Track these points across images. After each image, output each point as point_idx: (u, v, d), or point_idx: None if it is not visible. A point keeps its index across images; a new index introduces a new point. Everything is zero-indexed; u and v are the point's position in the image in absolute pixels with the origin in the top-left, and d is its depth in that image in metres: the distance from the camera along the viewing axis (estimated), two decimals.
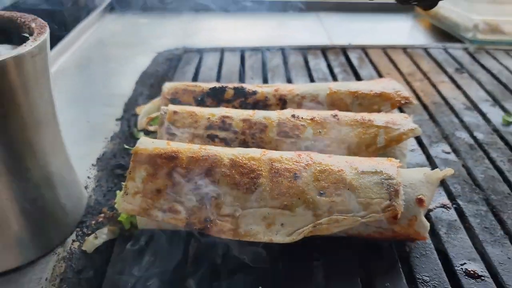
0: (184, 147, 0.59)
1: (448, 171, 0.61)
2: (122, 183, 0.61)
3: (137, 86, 1.03)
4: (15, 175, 0.58)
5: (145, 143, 0.60)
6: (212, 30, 1.41)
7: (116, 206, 0.62)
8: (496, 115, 0.90)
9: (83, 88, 0.85)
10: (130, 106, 0.95)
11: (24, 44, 0.53)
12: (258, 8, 1.57)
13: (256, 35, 1.37)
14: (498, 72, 1.08)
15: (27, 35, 0.60)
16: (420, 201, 0.57)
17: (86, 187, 0.72)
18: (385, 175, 0.56)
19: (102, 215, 0.65)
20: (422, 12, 1.54)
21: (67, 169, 0.66)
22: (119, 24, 1.49)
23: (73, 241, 0.63)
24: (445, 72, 1.08)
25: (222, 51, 1.17)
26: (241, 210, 0.55)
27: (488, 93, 0.98)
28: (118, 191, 0.63)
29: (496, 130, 0.85)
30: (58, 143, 0.64)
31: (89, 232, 0.64)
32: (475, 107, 0.93)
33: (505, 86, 1.02)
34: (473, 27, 1.25)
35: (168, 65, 1.12)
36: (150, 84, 1.03)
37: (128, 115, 0.91)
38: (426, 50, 1.20)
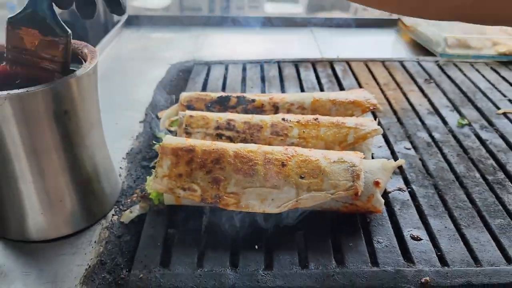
0: (198, 143, 0.78)
1: (399, 162, 0.79)
2: (152, 170, 0.80)
3: (155, 94, 1.22)
4: (70, 164, 0.76)
5: (169, 140, 0.78)
6: (218, 44, 1.60)
7: (146, 187, 0.81)
8: (453, 119, 1.08)
9: (109, 96, 1.02)
10: (150, 111, 1.14)
11: (83, 66, 0.72)
12: (259, 23, 1.76)
13: (256, 49, 1.56)
14: (461, 82, 1.26)
15: (81, 58, 0.79)
16: (376, 183, 0.75)
17: (119, 175, 0.90)
18: (350, 163, 0.75)
19: (135, 195, 0.83)
20: (403, 28, 1.73)
21: (107, 161, 0.85)
22: (135, 39, 1.68)
23: (113, 215, 0.81)
24: (416, 82, 1.26)
25: (226, 64, 1.36)
26: (242, 189, 0.74)
27: (449, 100, 1.17)
28: (148, 177, 0.81)
29: (451, 131, 1.03)
30: (102, 140, 0.83)
31: (125, 208, 0.82)
32: (437, 112, 1.11)
33: (464, 94, 1.20)
34: (443, 42, 1.44)
35: (181, 76, 1.31)
36: (166, 92, 1.22)
37: (149, 118, 1.10)
38: (401, 63, 1.39)
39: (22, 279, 0.68)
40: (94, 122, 0.77)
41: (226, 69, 1.32)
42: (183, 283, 0.65)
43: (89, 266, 0.70)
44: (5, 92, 0.63)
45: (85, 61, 0.74)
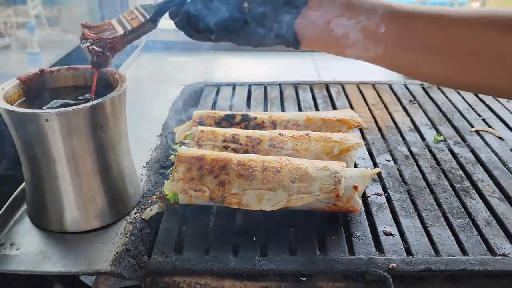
0: (208, 153, 0.93)
1: (375, 170, 0.94)
2: (169, 176, 0.95)
3: (170, 111, 1.39)
4: (102, 169, 0.89)
5: (184, 150, 0.94)
6: (227, 67, 1.77)
7: (164, 189, 0.96)
8: (430, 135, 1.22)
9: (130, 112, 1.14)
10: (166, 126, 1.29)
11: (116, 90, 0.88)
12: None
13: (261, 72, 1.73)
14: (442, 104, 1.41)
15: (112, 82, 0.95)
16: (355, 187, 0.90)
17: (141, 180, 1.06)
18: (333, 170, 0.89)
19: (154, 196, 0.99)
20: None
21: (131, 167, 1.00)
22: (152, 62, 1.86)
23: (135, 212, 0.96)
24: (401, 103, 1.41)
25: (234, 86, 1.53)
26: (243, 191, 0.88)
27: (429, 119, 1.31)
28: (165, 181, 0.97)
29: (427, 146, 1.18)
30: (127, 149, 0.98)
31: (145, 207, 0.97)
32: (417, 129, 1.26)
33: (443, 114, 1.35)
34: None
35: (193, 96, 1.48)
36: (180, 110, 1.39)
37: (166, 133, 1.26)
38: (390, 85, 1.54)
39: (62, 262, 0.83)
40: (122, 134, 0.93)
41: (234, 90, 1.49)
42: (194, 266, 0.80)
43: (117, 252, 0.84)
44: (55, 110, 0.80)
45: (116, 85, 0.90)
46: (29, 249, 0.86)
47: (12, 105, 0.85)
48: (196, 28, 0.78)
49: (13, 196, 0.95)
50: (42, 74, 0.94)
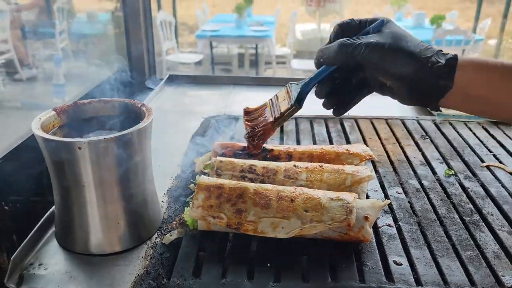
0: (226, 182, 0.99)
1: (386, 202, 0.98)
2: (189, 203, 1.00)
3: (191, 142, 1.46)
4: (126, 196, 0.94)
5: (203, 179, 0.99)
6: (245, 100, 1.85)
7: (184, 215, 1.02)
8: (441, 170, 1.26)
9: (153, 142, 1.22)
10: (187, 156, 1.36)
11: (143, 121, 0.95)
12: (283, 83, 2.01)
13: None
14: (453, 139, 1.45)
15: (139, 114, 1.02)
16: (366, 218, 0.94)
17: (162, 207, 1.12)
18: (345, 201, 0.94)
19: (174, 222, 1.04)
20: None
21: (154, 194, 1.05)
22: (174, 95, 1.95)
23: (156, 237, 1.01)
24: (413, 138, 1.46)
25: None
26: (259, 218, 0.93)
27: (440, 154, 1.35)
28: (185, 208, 1.03)
29: (438, 180, 1.22)
30: (151, 178, 1.04)
31: (166, 232, 1.02)
32: (428, 163, 1.30)
33: (455, 149, 1.39)
34: None
35: (213, 128, 1.55)
36: (200, 141, 1.46)
37: (186, 163, 1.33)
38: (402, 121, 1.59)
39: (87, 282, 0.88)
40: (146, 163, 0.99)
41: None
42: None
43: (138, 275, 0.89)
44: (87, 139, 0.87)
45: (143, 116, 0.97)
46: (56, 269, 0.91)
47: (47, 133, 0.92)
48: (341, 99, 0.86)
49: (43, 218, 1.02)
50: (75, 106, 1.02)
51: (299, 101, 0.84)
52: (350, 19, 0.85)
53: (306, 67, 6.55)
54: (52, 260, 0.94)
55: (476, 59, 0.77)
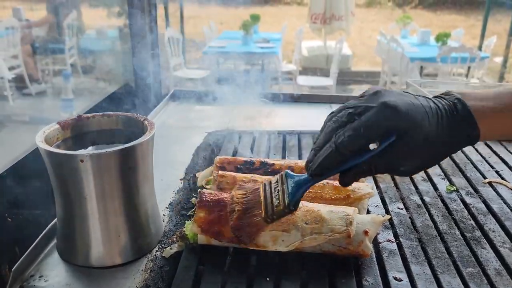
0: (227, 196, 1.00)
1: (386, 217, 0.98)
2: (189, 217, 1.01)
3: (194, 157, 1.47)
4: (128, 208, 0.97)
5: (205, 193, 1.01)
6: (247, 117, 1.86)
7: (185, 229, 1.02)
8: (443, 186, 1.26)
9: (156, 156, 1.22)
10: (189, 170, 1.37)
11: (145, 135, 0.97)
12: (283, 100, 2.04)
13: (280, 121, 1.81)
14: (455, 155, 1.45)
15: (141, 128, 1.04)
16: (365, 232, 0.94)
17: (163, 220, 1.12)
18: (345, 213, 0.93)
19: (175, 236, 1.04)
20: None
21: (155, 208, 1.06)
22: (178, 110, 1.97)
23: (156, 251, 1.01)
24: None
25: (254, 134, 1.60)
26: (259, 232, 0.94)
27: (442, 170, 1.35)
28: (186, 221, 1.03)
29: (439, 196, 1.21)
30: (152, 191, 1.04)
31: (166, 246, 1.03)
32: (429, 179, 1.30)
33: (457, 165, 1.39)
34: None
35: (215, 143, 1.56)
36: (203, 156, 1.46)
37: (188, 177, 1.33)
38: None
39: None
40: (148, 176, 1.00)
41: (254, 138, 1.57)
42: None
43: None
44: (90, 152, 0.88)
45: (145, 130, 0.99)
46: (56, 281, 0.92)
47: (51, 146, 0.94)
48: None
49: (44, 231, 1.02)
50: (79, 120, 1.04)
51: (294, 204, 0.82)
52: None
53: (311, 83, 6.60)
54: (53, 272, 0.94)
55: (478, 94, 0.77)
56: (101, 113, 1.07)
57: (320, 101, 2.05)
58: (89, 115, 1.06)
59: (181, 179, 1.32)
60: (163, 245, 1.02)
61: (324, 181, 1.08)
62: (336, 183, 1.07)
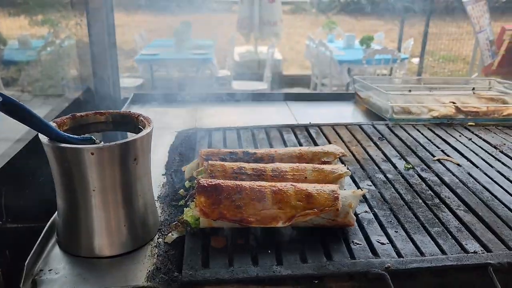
0: (223, 182, 1.08)
1: (363, 191, 1.12)
2: (181, 206, 1.08)
3: (170, 154, 1.53)
4: (127, 202, 0.98)
5: (202, 180, 1.08)
6: (212, 115, 1.95)
7: (184, 216, 1.09)
8: (401, 164, 1.43)
9: None
10: (169, 166, 1.43)
11: (145, 129, 1.02)
12: (245, 98, 2.15)
13: (244, 119, 1.92)
14: (405, 139, 1.64)
15: (136, 123, 1.09)
16: (349, 205, 1.07)
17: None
18: (332, 189, 1.06)
19: (175, 223, 1.11)
20: (359, 99, 2.15)
21: (152, 199, 1.12)
22: (142, 113, 2.00)
23: (158, 238, 1.07)
24: (372, 140, 1.63)
25: (224, 130, 1.70)
26: (258, 211, 1.03)
27: (397, 151, 1.53)
28: (185, 208, 1.10)
29: (400, 173, 1.38)
30: (150, 183, 1.09)
31: (166, 234, 1.09)
32: (388, 160, 1.47)
33: (408, 147, 1.58)
34: (390, 110, 1.85)
35: (188, 140, 1.63)
36: (178, 152, 1.53)
37: (169, 172, 1.40)
38: (360, 126, 1.77)
39: (101, 281, 0.93)
40: (147, 168, 1.06)
41: (224, 133, 1.66)
42: (221, 276, 0.92)
43: (149, 271, 0.95)
44: (94, 146, 0.93)
45: (140, 125, 1.05)
46: (67, 273, 0.95)
47: None
48: None
49: (47, 225, 1.05)
50: (73, 118, 1.07)
51: None
52: None
53: (246, 87, 6.75)
54: (61, 265, 0.97)
55: None
56: (93, 112, 1.11)
57: (275, 99, 2.19)
58: (82, 113, 1.09)
59: (163, 174, 1.37)
60: (162, 233, 1.09)
61: (304, 164, 1.20)
62: (318, 166, 1.19)
